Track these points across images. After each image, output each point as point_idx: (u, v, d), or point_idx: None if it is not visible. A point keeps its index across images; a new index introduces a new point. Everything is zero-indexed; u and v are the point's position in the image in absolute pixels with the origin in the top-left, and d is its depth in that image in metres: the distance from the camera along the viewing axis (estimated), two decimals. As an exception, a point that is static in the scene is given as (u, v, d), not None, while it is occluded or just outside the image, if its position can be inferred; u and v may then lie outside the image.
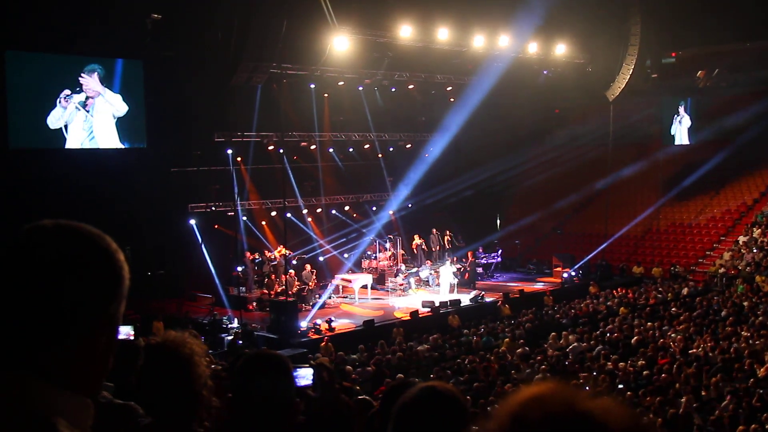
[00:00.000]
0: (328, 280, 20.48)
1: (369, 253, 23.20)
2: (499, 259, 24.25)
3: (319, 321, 15.55)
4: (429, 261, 22.58)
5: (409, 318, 16.64)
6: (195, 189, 20.21)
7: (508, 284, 22.13)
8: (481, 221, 27.99)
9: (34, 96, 14.69)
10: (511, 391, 8.53)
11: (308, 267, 19.50)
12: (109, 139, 16.00)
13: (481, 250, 24.06)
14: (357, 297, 19.30)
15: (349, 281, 19.66)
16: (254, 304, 18.51)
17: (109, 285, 1.08)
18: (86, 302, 1.05)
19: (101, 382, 1.11)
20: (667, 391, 9.62)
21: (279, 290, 18.31)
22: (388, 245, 22.92)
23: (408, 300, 19.38)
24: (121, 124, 16.10)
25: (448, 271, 19.77)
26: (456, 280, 20.02)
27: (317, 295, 18.85)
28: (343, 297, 19.91)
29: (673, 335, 13.06)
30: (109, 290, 1.08)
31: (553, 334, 13.87)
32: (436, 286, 20.62)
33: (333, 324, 15.56)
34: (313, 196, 23.67)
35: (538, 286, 21.64)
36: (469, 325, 15.76)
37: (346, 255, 23.22)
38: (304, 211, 23.11)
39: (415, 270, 21.70)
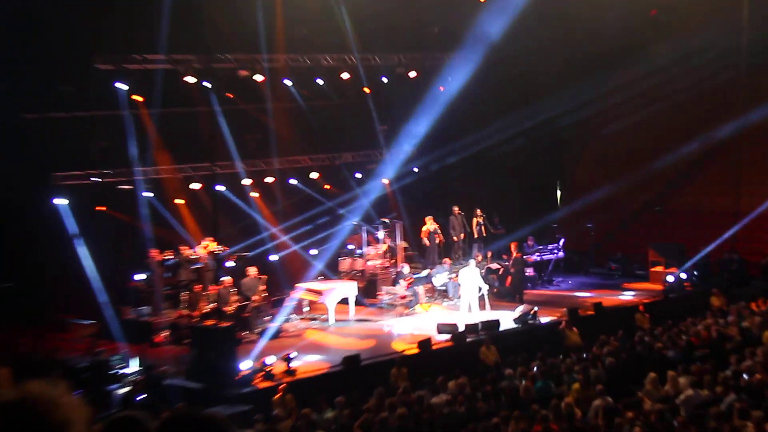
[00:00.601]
0: (286, 292, 20.52)
1: (351, 247, 23.26)
2: (561, 253, 24.34)
3: (271, 359, 15.53)
4: (448, 259, 22.59)
5: (416, 351, 16.79)
6: (64, 148, 20.03)
7: (575, 294, 22.35)
8: (532, 194, 27.92)
9: None
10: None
11: (253, 271, 19.46)
12: None
13: (531, 241, 24.07)
14: (333, 318, 19.61)
15: (320, 293, 19.84)
16: (165, 333, 18.62)
17: None
18: None
19: None
20: None
21: (206, 310, 18.39)
22: (381, 235, 22.98)
23: (415, 322, 19.73)
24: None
25: (477, 275, 19.76)
26: (489, 290, 19.99)
27: (268, 317, 19.08)
28: (311, 319, 20.08)
29: None
30: None
31: (652, 375, 13.58)
32: (458, 299, 20.61)
33: (294, 363, 15.66)
34: (261, 158, 23.69)
35: (626, 296, 21.93)
36: (514, 362, 15.58)
37: (314, 251, 23.38)
38: (246, 183, 23.20)
39: (425, 274, 21.78)
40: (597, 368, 14.66)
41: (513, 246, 22.22)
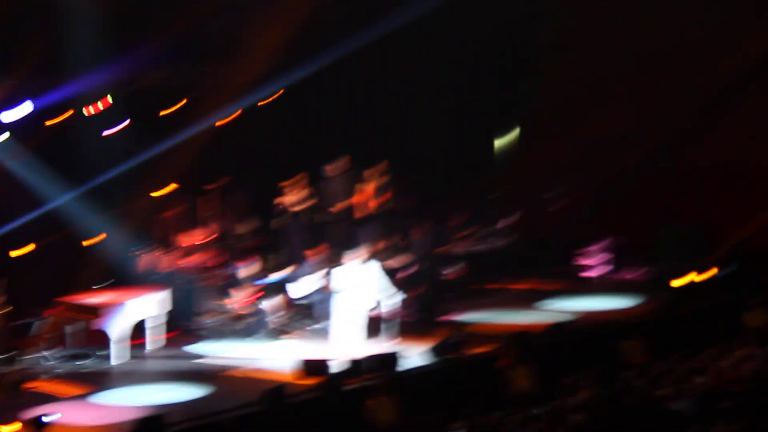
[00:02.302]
0: (39, 312, 20.28)
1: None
2: (501, 241, 24.87)
3: (14, 427, 15.62)
4: (315, 250, 22.58)
5: (259, 407, 16.70)
6: None
7: (524, 309, 22.79)
8: (462, 144, 28.14)
9: None
10: None
11: None
12: None
13: (456, 221, 24.58)
14: (117, 354, 19.80)
15: (100, 311, 19.93)
16: None
17: None
18: None
19: None
20: None
21: None
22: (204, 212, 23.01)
23: (258, 358, 20.19)
24: None
25: (376, 273, 19.83)
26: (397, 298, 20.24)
27: (11, 354, 19.32)
28: (77, 357, 20.01)
29: None
30: None
31: None
32: (329, 319, 20.47)
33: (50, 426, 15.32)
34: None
35: (605, 310, 22.62)
36: (423, 424, 16.01)
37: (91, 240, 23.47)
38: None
39: (279, 277, 22.08)
40: (558, 431, 14.80)
41: (417, 231, 22.64)
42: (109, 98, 25.31)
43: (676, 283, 22.34)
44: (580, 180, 27.29)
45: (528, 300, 23.78)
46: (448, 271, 23.10)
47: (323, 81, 26.17)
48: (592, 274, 25.54)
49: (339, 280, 19.58)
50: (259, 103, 26.44)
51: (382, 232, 24.30)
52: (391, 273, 21.97)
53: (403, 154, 26.78)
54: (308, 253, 22.51)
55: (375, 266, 19.87)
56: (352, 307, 19.45)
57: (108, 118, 25.42)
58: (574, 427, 14.84)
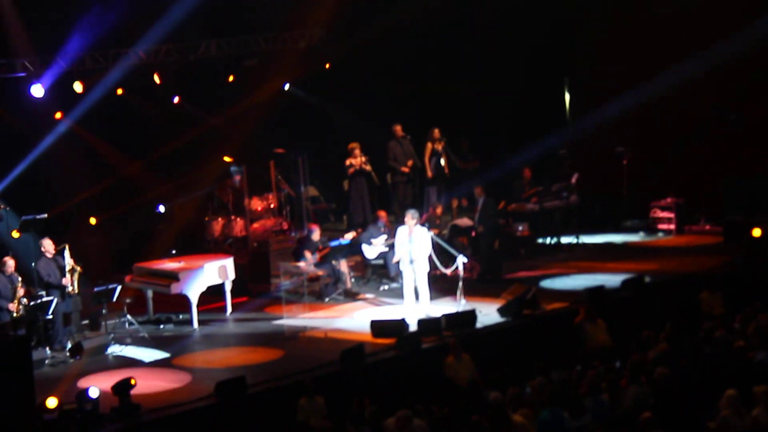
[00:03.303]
0: (117, 279, 20.20)
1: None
2: (574, 198, 24.60)
3: (94, 391, 15.06)
4: (382, 212, 22.60)
5: (338, 368, 16.90)
6: None
7: (600, 264, 22.56)
8: (524, 103, 27.92)
9: None
10: None
11: (49, 245, 18.95)
12: None
13: (528, 176, 24.39)
14: (196, 320, 20.10)
15: (173, 278, 20.00)
16: None
17: None
18: None
19: None
20: None
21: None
22: (271, 176, 23.02)
23: (335, 319, 20.17)
24: None
25: (427, 238, 19.46)
26: (463, 261, 19.83)
27: (85, 322, 19.58)
28: (159, 322, 20.31)
29: None
30: None
31: (730, 393, 13.46)
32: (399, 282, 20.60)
33: (135, 394, 15.36)
34: None
35: (683, 265, 22.02)
36: (501, 380, 15.62)
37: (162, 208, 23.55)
38: None
39: (349, 238, 21.98)
40: (639, 384, 14.68)
41: (478, 189, 22.15)
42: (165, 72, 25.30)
43: (756, 232, 22.00)
44: (649, 134, 27.03)
45: (602, 254, 23.63)
46: (520, 228, 22.96)
47: (387, 44, 26.15)
48: (665, 226, 25.32)
49: (401, 239, 19.48)
50: (326, 66, 26.42)
51: (449, 192, 24.36)
52: (459, 232, 22.05)
53: (471, 112, 26.72)
54: (380, 213, 22.44)
55: (426, 230, 19.58)
56: (417, 266, 19.35)
57: (165, 90, 25.46)
58: (656, 379, 14.71)
